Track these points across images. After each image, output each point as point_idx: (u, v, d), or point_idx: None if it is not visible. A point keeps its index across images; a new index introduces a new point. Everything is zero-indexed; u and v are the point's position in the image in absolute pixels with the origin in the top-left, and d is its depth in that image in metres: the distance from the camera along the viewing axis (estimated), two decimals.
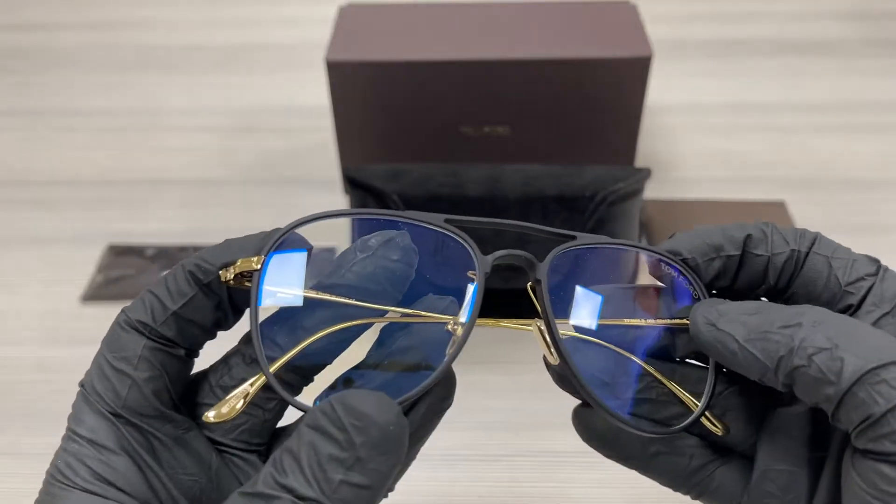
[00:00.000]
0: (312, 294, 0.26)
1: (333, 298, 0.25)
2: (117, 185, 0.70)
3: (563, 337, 0.26)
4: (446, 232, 0.27)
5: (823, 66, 0.85)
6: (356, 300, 0.25)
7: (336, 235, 0.64)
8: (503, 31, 0.62)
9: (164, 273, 0.26)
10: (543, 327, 0.26)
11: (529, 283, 0.27)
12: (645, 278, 0.29)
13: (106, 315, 0.57)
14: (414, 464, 0.42)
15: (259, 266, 0.25)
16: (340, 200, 0.68)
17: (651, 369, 0.28)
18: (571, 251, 0.27)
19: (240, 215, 0.66)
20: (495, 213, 0.52)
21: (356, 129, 0.63)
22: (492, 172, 0.54)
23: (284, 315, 0.26)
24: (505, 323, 0.28)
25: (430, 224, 0.27)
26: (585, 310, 0.27)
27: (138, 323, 0.26)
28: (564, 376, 0.27)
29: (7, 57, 0.90)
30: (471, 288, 0.26)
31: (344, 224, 0.57)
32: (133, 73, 0.87)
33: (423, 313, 0.27)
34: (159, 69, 0.87)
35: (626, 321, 0.28)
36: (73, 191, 0.69)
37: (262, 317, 0.25)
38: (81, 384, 0.26)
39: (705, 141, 0.75)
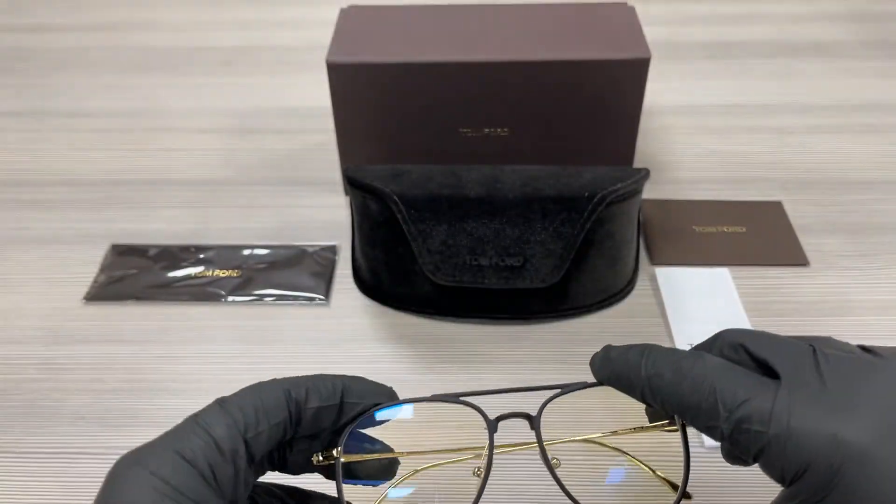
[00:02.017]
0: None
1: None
2: (120, 186, 0.71)
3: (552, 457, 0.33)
4: (460, 403, 0.35)
5: (820, 68, 0.86)
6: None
7: (337, 235, 0.65)
8: (502, 33, 0.62)
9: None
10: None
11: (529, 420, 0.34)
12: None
13: (108, 314, 0.58)
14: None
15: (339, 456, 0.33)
16: (341, 201, 0.68)
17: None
18: (557, 398, 0.34)
19: (241, 215, 0.67)
20: (495, 213, 0.53)
21: (357, 130, 0.63)
22: (491, 173, 0.55)
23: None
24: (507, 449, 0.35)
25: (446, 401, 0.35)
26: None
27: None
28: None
29: (11, 58, 0.91)
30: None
31: (344, 224, 0.61)
32: (136, 74, 0.87)
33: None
34: (162, 70, 0.88)
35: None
36: (76, 191, 0.70)
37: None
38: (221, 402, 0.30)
39: (703, 142, 0.75)
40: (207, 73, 0.87)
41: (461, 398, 0.35)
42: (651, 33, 0.64)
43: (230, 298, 0.59)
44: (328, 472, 0.34)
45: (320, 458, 0.33)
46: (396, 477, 0.35)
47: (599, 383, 0.34)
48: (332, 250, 0.63)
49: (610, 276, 0.56)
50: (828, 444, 0.26)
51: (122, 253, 0.63)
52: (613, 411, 0.36)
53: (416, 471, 0.36)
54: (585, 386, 0.35)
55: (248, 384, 0.52)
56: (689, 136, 0.76)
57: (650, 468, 0.36)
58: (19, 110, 0.82)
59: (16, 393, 0.52)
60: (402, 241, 0.54)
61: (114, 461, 0.50)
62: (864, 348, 0.30)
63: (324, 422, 0.32)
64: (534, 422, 0.34)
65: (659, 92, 0.81)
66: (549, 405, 0.34)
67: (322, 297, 0.59)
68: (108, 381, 0.53)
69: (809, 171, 0.71)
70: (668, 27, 0.93)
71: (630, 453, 0.37)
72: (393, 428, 0.35)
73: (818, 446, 0.26)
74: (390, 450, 0.35)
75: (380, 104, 0.62)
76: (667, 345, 0.54)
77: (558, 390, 0.34)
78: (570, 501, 0.33)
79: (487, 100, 0.61)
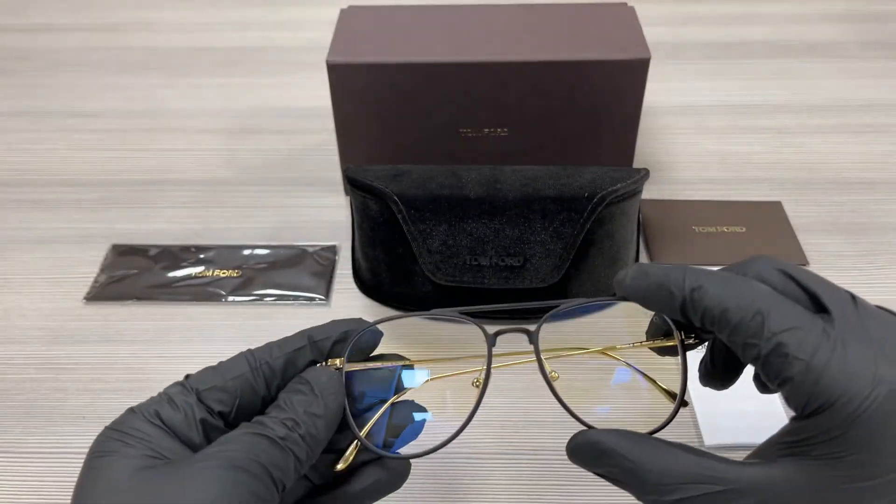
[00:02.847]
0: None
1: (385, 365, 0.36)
2: (121, 186, 0.71)
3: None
4: (459, 319, 0.36)
5: (819, 68, 0.86)
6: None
7: (337, 235, 0.65)
8: (502, 34, 0.62)
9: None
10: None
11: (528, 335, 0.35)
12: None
13: (109, 314, 0.58)
14: (414, 463, 0.43)
15: (342, 366, 0.34)
16: (341, 201, 0.68)
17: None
18: (557, 315, 0.35)
19: (241, 215, 0.67)
20: (495, 213, 0.53)
21: (357, 130, 0.63)
22: (491, 173, 0.55)
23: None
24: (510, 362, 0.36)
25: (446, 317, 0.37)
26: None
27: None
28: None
29: (12, 58, 0.91)
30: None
31: (344, 224, 0.62)
32: (136, 74, 0.87)
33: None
34: (163, 71, 0.88)
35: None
36: (76, 191, 0.70)
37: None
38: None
39: (702, 142, 0.75)
40: (208, 74, 0.87)
41: (462, 314, 0.36)
42: (651, 34, 0.64)
43: (230, 298, 0.59)
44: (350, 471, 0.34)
45: (325, 363, 0.34)
46: (398, 389, 0.36)
47: (622, 299, 0.34)
48: (333, 250, 0.63)
49: (610, 276, 0.56)
50: (867, 382, 0.27)
51: (122, 253, 0.63)
52: (613, 331, 0.40)
53: (419, 382, 0.37)
54: (586, 303, 0.36)
55: None
56: (689, 137, 0.76)
57: (648, 377, 0.36)
58: (20, 110, 0.82)
59: (16, 393, 0.52)
60: (403, 241, 0.55)
61: None
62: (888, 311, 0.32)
63: (299, 365, 0.33)
64: (532, 336, 0.35)
65: (659, 92, 0.81)
66: (546, 324, 0.35)
67: (322, 297, 0.59)
68: (108, 380, 0.53)
69: (809, 172, 0.71)
70: (667, 28, 0.93)
71: (629, 364, 0.37)
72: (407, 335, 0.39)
73: (856, 383, 0.27)
74: (398, 358, 0.36)
75: (380, 104, 0.62)
76: None
77: (559, 305, 0.35)
78: (568, 414, 0.34)
79: (487, 100, 0.61)
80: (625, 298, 0.33)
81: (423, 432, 0.35)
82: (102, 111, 0.81)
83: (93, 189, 0.70)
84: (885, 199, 0.68)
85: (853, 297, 0.30)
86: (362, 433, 0.34)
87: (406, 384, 0.36)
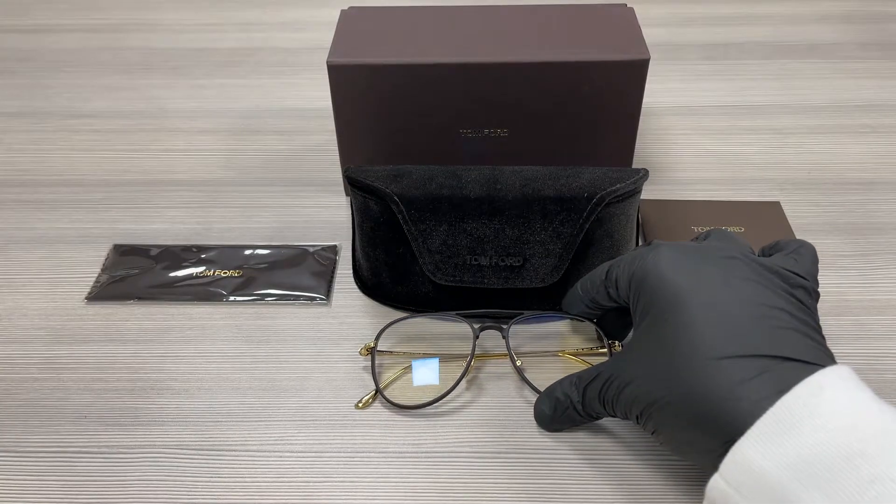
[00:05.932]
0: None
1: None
2: (122, 186, 0.71)
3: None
4: (453, 320, 0.55)
5: (818, 69, 0.86)
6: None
7: (337, 235, 0.65)
8: (502, 35, 0.62)
9: None
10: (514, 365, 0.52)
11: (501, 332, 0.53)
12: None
13: (110, 314, 0.58)
14: (413, 462, 0.45)
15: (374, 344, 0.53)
16: (342, 201, 0.68)
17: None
18: (522, 320, 0.54)
19: (242, 216, 0.67)
20: (495, 213, 0.53)
21: (357, 131, 0.64)
22: (491, 174, 0.55)
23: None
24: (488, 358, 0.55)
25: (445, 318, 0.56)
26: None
27: None
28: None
29: (13, 59, 0.91)
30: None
31: (345, 224, 0.62)
32: (137, 75, 0.88)
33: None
34: (164, 72, 0.88)
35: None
36: (78, 192, 0.70)
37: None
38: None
39: (701, 142, 0.75)
40: (209, 75, 0.87)
41: (459, 315, 0.54)
42: (650, 34, 0.64)
43: (231, 298, 0.59)
44: None
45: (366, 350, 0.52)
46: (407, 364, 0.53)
47: (566, 315, 0.53)
48: (333, 250, 0.63)
49: None
50: (649, 264, 0.43)
51: (123, 253, 0.63)
52: (565, 334, 0.56)
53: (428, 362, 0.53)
54: (541, 313, 0.55)
55: (248, 383, 0.53)
56: (688, 137, 0.76)
57: (587, 365, 0.52)
58: (21, 111, 0.82)
59: (17, 392, 0.53)
60: (403, 241, 0.55)
61: (115, 461, 0.50)
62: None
63: None
64: (503, 332, 0.52)
65: (658, 93, 0.81)
66: (516, 325, 0.53)
67: (323, 297, 0.59)
68: (109, 380, 0.53)
69: (808, 172, 0.71)
70: (666, 28, 0.94)
71: (572, 358, 0.54)
72: (415, 332, 0.56)
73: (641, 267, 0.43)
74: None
75: (380, 105, 0.62)
76: None
77: (524, 314, 0.53)
78: (530, 388, 0.51)
79: (487, 101, 0.61)
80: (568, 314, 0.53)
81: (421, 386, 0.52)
82: (103, 111, 0.82)
83: (94, 189, 0.71)
84: (885, 199, 0.68)
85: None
86: (382, 387, 0.51)
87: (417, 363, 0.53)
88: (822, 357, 0.37)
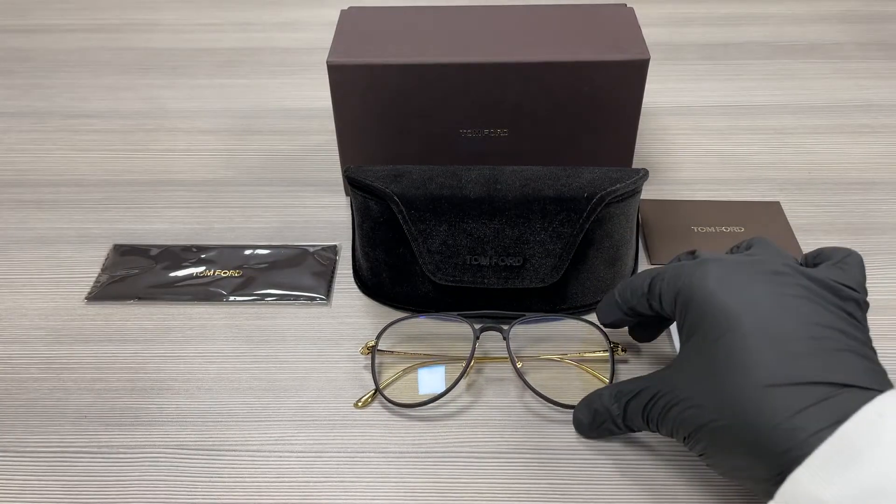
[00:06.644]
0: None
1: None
2: (122, 186, 0.71)
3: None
4: (454, 320, 0.55)
5: (818, 69, 0.86)
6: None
7: (337, 235, 0.65)
8: (502, 35, 0.62)
9: None
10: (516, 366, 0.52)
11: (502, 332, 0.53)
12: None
13: (110, 314, 0.58)
14: (413, 462, 0.45)
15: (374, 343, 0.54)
16: (342, 201, 0.68)
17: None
18: (524, 321, 0.54)
19: (242, 216, 0.67)
20: (494, 213, 0.53)
21: (357, 130, 0.64)
22: (491, 174, 0.55)
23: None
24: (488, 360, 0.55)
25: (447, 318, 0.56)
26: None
27: None
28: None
29: (13, 59, 0.91)
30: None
31: (345, 224, 0.62)
32: (137, 75, 0.88)
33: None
34: (164, 72, 0.88)
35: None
36: (78, 191, 0.70)
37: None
38: None
39: (701, 142, 0.75)
40: (209, 75, 0.87)
41: (460, 315, 0.54)
42: (650, 34, 0.64)
43: (231, 298, 0.59)
44: None
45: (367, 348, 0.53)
46: (410, 364, 0.54)
47: (567, 316, 0.55)
48: (333, 250, 0.63)
49: (609, 276, 0.56)
50: (697, 280, 0.41)
51: (123, 253, 0.63)
52: (568, 337, 0.56)
53: (424, 363, 0.54)
54: (543, 315, 0.55)
55: (248, 383, 0.53)
56: (688, 137, 0.76)
57: (588, 370, 0.53)
58: (21, 111, 0.82)
59: (17, 392, 0.53)
60: (403, 241, 0.55)
61: (115, 461, 0.50)
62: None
63: None
64: (504, 333, 0.52)
65: (658, 93, 0.81)
66: (517, 326, 0.54)
67: (323, 297, 0.59)
68: (109, 380, 0.53)
69: (808, 172, 0.71)
70: (666, 28, 0.94)
71: (573, 363, 0.54)
72: (415, 333, 0.56)
73: (687, 283, 0.42)
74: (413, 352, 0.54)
75: (380, 105, 0.62)
76: (667, 343, 0.55)
77: (525, 316, 0.54)
78: (529, 389, 0.51)
79: (487, 101, 0.61)
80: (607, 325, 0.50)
81: (423, 392, 0.52)
82: (103, 111, 0.82)
83: (94, 189, 0.71)
84: (885, 199, 0.68)
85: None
86: (381, 386, 0.51)
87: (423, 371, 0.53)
88: (878, 380, 0.37)
